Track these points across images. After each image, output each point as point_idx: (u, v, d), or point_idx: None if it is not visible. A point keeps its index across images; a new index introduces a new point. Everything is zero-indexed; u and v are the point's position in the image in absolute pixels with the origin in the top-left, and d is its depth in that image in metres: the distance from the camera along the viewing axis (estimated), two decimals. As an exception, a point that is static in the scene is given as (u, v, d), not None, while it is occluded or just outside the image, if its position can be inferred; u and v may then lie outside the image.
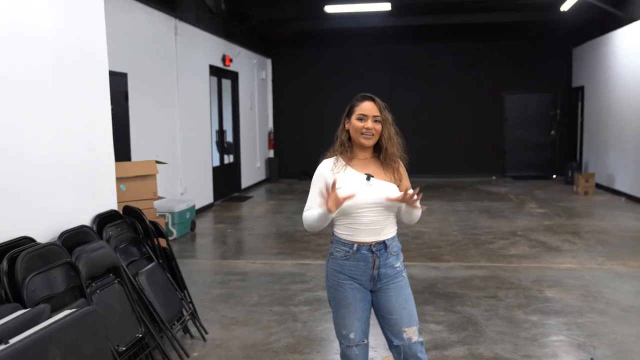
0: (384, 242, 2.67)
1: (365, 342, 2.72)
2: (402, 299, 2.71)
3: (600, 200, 10.48)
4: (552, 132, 13.89)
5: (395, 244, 2.73)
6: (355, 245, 2.65)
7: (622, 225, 8.14)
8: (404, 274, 2.76)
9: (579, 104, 13.30)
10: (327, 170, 2.69)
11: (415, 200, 2.57)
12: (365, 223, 2.64)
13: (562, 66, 13.73)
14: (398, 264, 2.73)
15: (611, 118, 11.22)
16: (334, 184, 2.52)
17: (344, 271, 2.68)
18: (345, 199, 2.51)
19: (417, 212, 2.72)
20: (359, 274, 2.67)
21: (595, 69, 12.11)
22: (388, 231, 2.70)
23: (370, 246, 2.65)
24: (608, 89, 11.38)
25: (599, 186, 11.56)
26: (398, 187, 2.70)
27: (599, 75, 11.85)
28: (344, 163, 2.68)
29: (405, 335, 2.67)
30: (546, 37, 13.38)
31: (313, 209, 2.67)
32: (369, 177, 2.64)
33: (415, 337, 2.69)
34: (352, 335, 2.68)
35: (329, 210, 2.50)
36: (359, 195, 2.58)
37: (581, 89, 13.10)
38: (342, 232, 2.70)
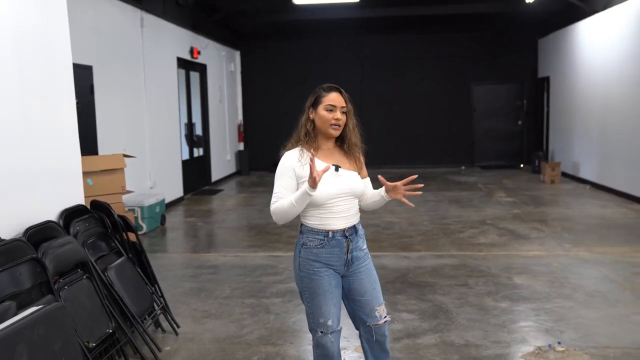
0: (354, 226, 2.77)
1: (340, 328, 2.78)
2: (372, 279, 2.82)
3: (566, 188, 10.71)
4: (519, 122, 14.12)
5: (361, 227, 2.84)
6: (330, 233, 2.70)
7: (587, 213, 8.33)
8: (369, 255, 2.88)
9: (545, 94, 13.54)
10: (295, 161, 2.70)
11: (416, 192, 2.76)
12: (337, 211, 2.70)
13: (528, 57, 13.95)
14: (365, 247, 2.84)
15: (576, 108, 11.45)
16: (312, 159, 2.54)
17: (320, 259, 2.71)
18: (324, 171, 2.52)
19: (384, 202, 2.85)
20: (334, 260, 2.72)
21: (559, 59, 12.33)
22: (356, 216, 2.80)
23: (343, 232, 2.72)
24: (572, 79, 11.60)
25: (564, 174, 11.81)
26: (359, 174, 2.80)
27: (564, 65, 12.07)
28: (309, 153, 2.68)
29: (377, 314, 2.80)
30: (512, 29, 13.57)
31: (283, 199, 2.66)
32: (337, 168, 2.70)
33: (385, 314, 2.84)
34: (330, 322, 2.71)
35: (313, 186, 2.51)
36: (330, 185, 2.64)
37: (547, 79, 13.33)
38: (314, 222, 2.72)
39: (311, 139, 2.73)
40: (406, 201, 2.81)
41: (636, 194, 8.87)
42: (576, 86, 11.40)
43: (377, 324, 2.80)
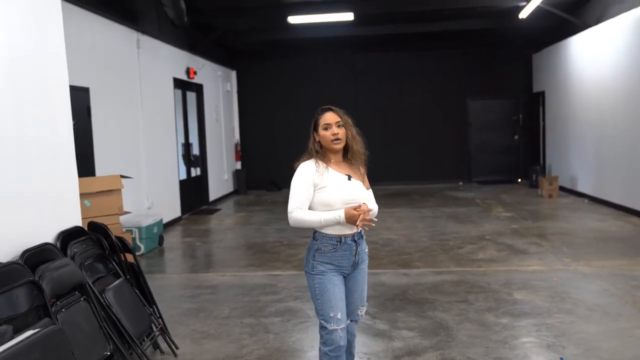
0: (360, 231, 3.07)
1: (346, 324, 3.06)
2: (364, 281, 3.20)
3: (564, 202, 10.71)
4: (516, 137, 14.16)
5: (363, 231, 3.13)
6: (342, 238, 3.01)
7: (586, 226, 8.33)
8: (367, 258, 3.21)
9: (540, 108, 13.61)
10: (312, 170, 3.00)
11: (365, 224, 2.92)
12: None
13: (522, 72, 14.04)
14: (367, 249, 3.19)
15: (571, 121, 11.50)
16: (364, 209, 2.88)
17: (332, 262, 3.02)
18: (366, 213, 2.88)
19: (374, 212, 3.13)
20: (345, 262, 3.04)
21: (554, 74, 12.42)
22: None
23: (353, 237, 3.04)
24: (567, 93, 11.67)
25: (562, 189, 11.82)
26: (362, 183, 3.10)
27: (558, 80, 12.15)
28: (325, 165, 3.01)
29: (359, 312, 3.22)
30: (506, 44, 13.67)
31: (310, 211, 2.96)
32: (349, 177, 3.03)
33: (363, 314, 3.26)
34: (339, 316, 2.98)
35: (349, 220, 2.88)
36: (344, 192, 2.98)
37: (542, 94, 13.41)
38: (331, 230, 3.00)
39: (321, 156, 3.05)
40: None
41: (633, 206, 8.87)
42: (571, 100, 11.46)
43: (354, 320, 3.21)
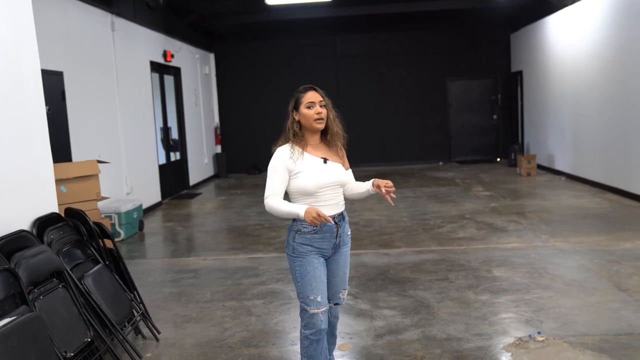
0: (341, 213, 3.06)
1: (327, 307, 3.02)
2: (347, 264, 3.16)
3: (542, 180, 10.84)
4: (495, 117, 14.25)
5: (346, 214, 3.12)
6: None
7: (563, 204, 8.44)
8: (350, 239, 3.18)
9: (519, 88, 13.69)
10: (286, 157, 2.94)
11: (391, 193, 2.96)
12: (326, 200, 2.97)
13: (501, 52, 14.08)
14: (349, 232, 3.15)
15: (549, 100, 11.60)
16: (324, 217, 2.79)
17: (312, 243, 2.97)
18: (326, 218, 2.79)
19: (368, 194, 3.13)
20: (325, 244, 3.00)
21: (531, 53, 12.48)
22: (342, 203, 3.08)
23: (333, 218, 2.98)
24: (544, 72, 11.75)
25: (540, 167, 11.95)
26: (342, 165, 3.07)
27: (536, 59, 12.22)
28: (300, 149, 2.96)
29: (341, 296, 3.19)
30: (485, 24, 13.69)
31: (280, 201, 2.93)
32: (325, 160, 2.99)
33: (345, 297, 3.23)
34: (319, 299, 2.96)
35: (309, 219, 2.79)
36: (319, 176, 2.93)
37: (520, 73, 13.48)
38: None
39: (299, 138, 2.99)
40: (389, 199, 3.01)
41: (610, 183, 9.01)
42: (548, 79, 11.54)
43: (336, 304, 3.19)
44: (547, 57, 11.57)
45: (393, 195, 2.98)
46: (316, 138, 3.03)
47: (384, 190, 2.95)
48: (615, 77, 8.73)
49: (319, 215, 2.77)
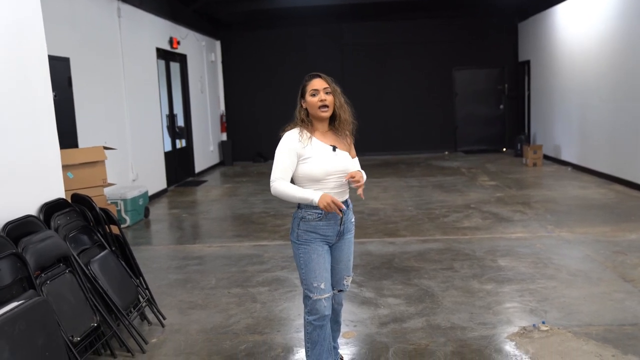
0: (346, 200, 3.09)
1: (331, 293, 3.03)
2: (351, 250, 3.17)
3: (548, 170, 10.80)
4: (501, 106, 14.18)
5: (350, 201, 3.14)
6: None
7: (569, 194, 8.42)
8: (354, 226, 3.19)
9: (526, 77, 13.60)
10: (295, 141, 2.93)
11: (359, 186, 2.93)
12: (332, 187, 2.96)
13: (508, 41, 13.98)
14: (353, 219, 3.17)
15: (556, 90, 11.53)
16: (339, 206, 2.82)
17: (317, 230, 2.97)
18: (339, 206, 2.82)
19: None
20: (330, 231, 3.00)
21: (539, 43, 12.39)
22: (347, 191, 3.08)
23: None
24: (552, 62, 11.67)
25: (546, 157, 11.91)
26: (349, 153, 3.07)
27: (544, 49, 12.13)
28: (308, 134, 2.95)
29: (345, 282, 3.20)
30: (493, 13, 13.58)
31: (290, 185, 2.91)
32: (334, 148, 2.97)
33: (349, 284, 3.23)
34: (322, 286, 2.96)
35: (324, 209, 2.81)
36: (328, 163, 2.92)
37: (527, 63, 13.39)
38: None
39: (307, 125, 2.98)
40: (360, 193, 2.98)
41: (616, 174, 8.97)
42: (556, 69, 11.47)
43: (340, 290, 3.19)
44: (555, 47, 11.49)
45: (360, 190, 2.94)
46: (324, 125, 3.01)
47: (353, 185, 2.94)
48: (623, 68, 8.67)
49: (333, 202, 2.78)
